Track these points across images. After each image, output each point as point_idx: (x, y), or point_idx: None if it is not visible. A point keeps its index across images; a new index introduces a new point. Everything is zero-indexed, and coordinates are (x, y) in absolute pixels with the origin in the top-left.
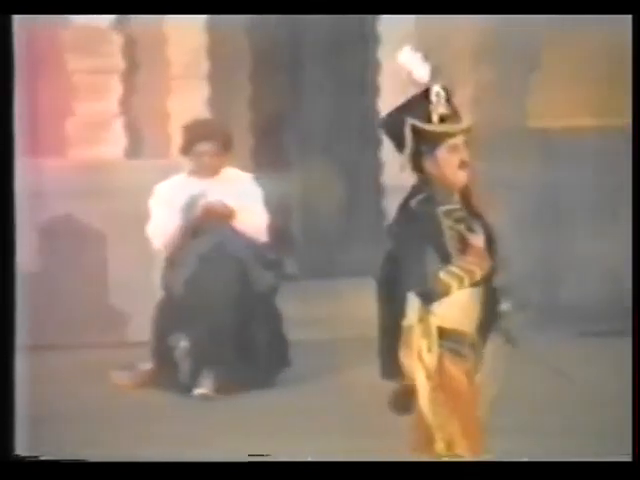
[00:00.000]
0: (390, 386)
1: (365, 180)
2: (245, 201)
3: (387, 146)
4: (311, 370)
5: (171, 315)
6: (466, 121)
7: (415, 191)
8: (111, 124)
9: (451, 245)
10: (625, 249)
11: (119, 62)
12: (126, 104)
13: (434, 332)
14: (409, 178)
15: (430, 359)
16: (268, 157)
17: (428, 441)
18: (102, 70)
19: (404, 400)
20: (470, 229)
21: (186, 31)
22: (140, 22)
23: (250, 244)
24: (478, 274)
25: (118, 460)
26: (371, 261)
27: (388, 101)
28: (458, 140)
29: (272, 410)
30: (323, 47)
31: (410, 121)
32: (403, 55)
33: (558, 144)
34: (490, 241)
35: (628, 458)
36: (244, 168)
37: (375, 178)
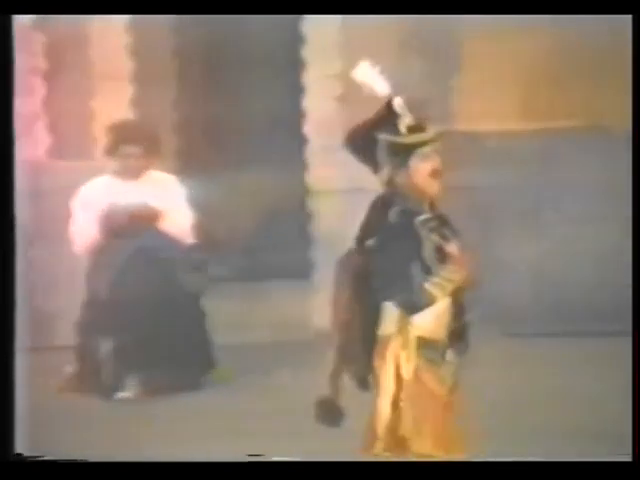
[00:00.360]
0: (316, 389)
1: (293, 181)
2: (170, 203)
3: (314, 147)
4: (238, 372)
5: (96, 318)
6: (433, 129)
7: (384, 203)
8: (34, 125)
9: (430, 255)
10: (549, 250)
11: (41, 62)
12: (49, 104)
13: (414, 343)
14: (338, 180)
15: (407, 369)
16: (194, 158)
17: (371, 444)
18: (24, 70)
19: (333, 412)
20: (444, 237)
21: (109, 31)
22: (63, 22)
23: (176, 246)
24: (458, 282)
25: (118, 460)
26: (299, 263)
27: (314, 101)
28: (428, 149)
29: (199, 412)
30: (250, 47)
31: (381, 136)
32: (360, 71)
33: (485, 146)
34: (462, 247)
35: (628, 458)
36: (169, 170)
37: (302, 180)
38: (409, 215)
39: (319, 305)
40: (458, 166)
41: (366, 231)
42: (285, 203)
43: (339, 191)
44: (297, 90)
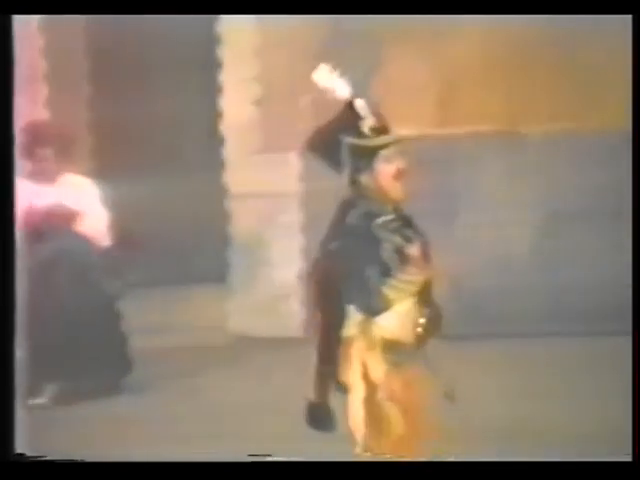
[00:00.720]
0: (235, 391)
1: (211, 184)
2: (86, 206)
3: (232, 150)
4: (157, 377)
5: (12, 322)
6: (396, 131)
7: (347, 206)
8: None
9: (390, 257)
10: (464, 253)
11: None
12: None
13: (379, 344)
14: (255, 183)
15: (376, 371)
16: (111, 160)
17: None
18: None
19: (323, 417)
20: (406, 238)
21: (23, 31)
22: None
23: (93, 249)
24: (418, 284)
25: (118, 460)
26: (217, 267)
27: (231, 102)
28: (391, 151)
29: (118, 417)
30: (167, 47)
31: (345, 139)
32: (320, 73)
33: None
34: (425, 248)
35: (628, 458)
36: (85, 171)
37: (220, 182)
38: (369, 217)
39: (236, 308)
40: None
41: (329, 235)
42: (203, 206)
43: (257, 194)
44: (215, 92)
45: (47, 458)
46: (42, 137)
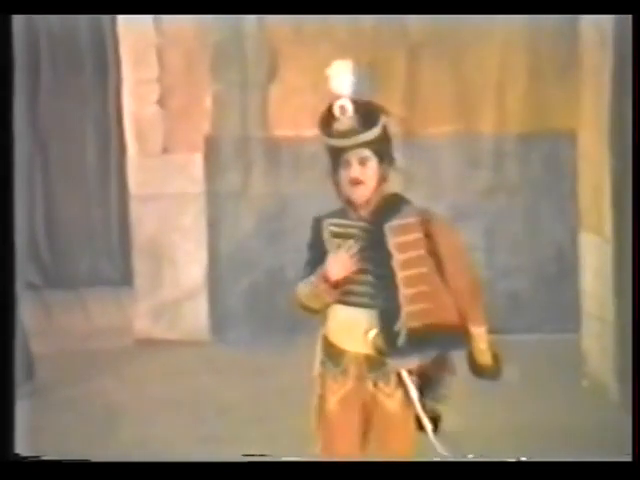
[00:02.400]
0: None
1: (112, 187)
2: None
3: (132, 155)
4: (55, 381)
5: None
6: (365, 135)
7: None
8: None
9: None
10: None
11: None
12: None
13: (320, 342)
14: (158, 185)
15: (315, 370)
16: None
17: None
18: None
19: None
20: (348, 246)
21: None
22: None
23: None
24: (325, 296)
25: (118, 460)
26: (119, 270)
27: (128, 104)
28: (351, 156)
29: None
30: (65, 46)
31: (321, 136)
32: (333, 67)
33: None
34: (382, 261)
35: (628, 458)
36: None
37: (121, 185)
38: (326, 216)
39: (139, 312)
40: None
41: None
42: (105, 208)
43: (159, 196)
44: (115, 93)
45: (47, 458)
46: None
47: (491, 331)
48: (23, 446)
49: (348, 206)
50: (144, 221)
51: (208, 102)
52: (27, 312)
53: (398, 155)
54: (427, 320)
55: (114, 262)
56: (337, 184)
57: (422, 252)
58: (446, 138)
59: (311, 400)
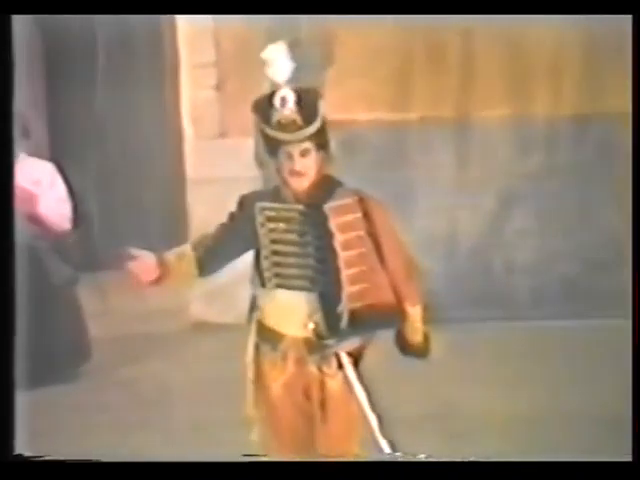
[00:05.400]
0: (183, 380)
1: (165, 170)
2: (46, 189)
3: (189, 139)
4: (110, 364)
5: None
6: (307, 130)
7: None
8: None
9: (264, 244)
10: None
11: None
12: None
13: (254, 327)
14: (210, 169)
15: (249, 356)
16: (63, 145)
17: None
18: None
19: None
20: (280, 230)
21: None
22: None
23: (49, 234)
24: None
25: (118, 460)
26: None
27: (185, 89)
28: (293, 149)
29: (74, 405)
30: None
31: (256, 120)
32: (267, 51)
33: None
34: (322, 243)
35: (628, 458)
36: (41, 155)
37: (177, 170)
38: (257, 197)
39: (195, 295)
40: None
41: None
42: (161, 191)
43: (215, 179)
44: (172, 78)
45: (47, 458)
46: None
47: (543, 317)
48: (78, 424)
49: (284, 188)
50: (199, 204)
51: (264, 86)
52: (84, 295)
53: (452, 139)
54: (367, 300)
55: (170, 245)
56: (275, 169)
57: (361, 232)
58: (500, 121)
59: None
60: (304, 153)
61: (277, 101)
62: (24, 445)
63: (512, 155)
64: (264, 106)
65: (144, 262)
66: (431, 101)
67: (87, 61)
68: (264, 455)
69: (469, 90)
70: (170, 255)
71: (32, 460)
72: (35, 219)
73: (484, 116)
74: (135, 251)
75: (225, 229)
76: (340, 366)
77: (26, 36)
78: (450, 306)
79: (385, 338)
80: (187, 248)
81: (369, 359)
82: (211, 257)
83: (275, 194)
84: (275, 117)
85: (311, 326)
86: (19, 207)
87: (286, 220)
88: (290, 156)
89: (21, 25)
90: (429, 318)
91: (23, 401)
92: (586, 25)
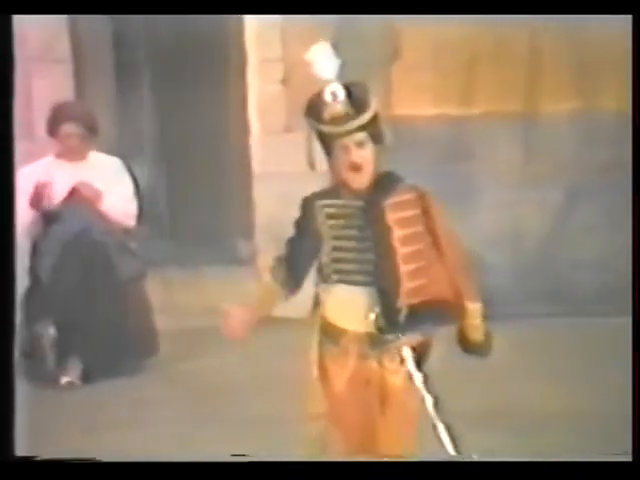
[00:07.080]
0: (247, 374)
1: (233, 168)
2: (113, 185)
3: (255, 134)
4: (177, 358)
5: (37, 303)
6: (360, 119)
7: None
8: None
9: (325, 240)
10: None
11: None
12: None
13: (317, 323)
14: (276, 163)
15: (313, 352)
16: (131, 142)
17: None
18: None
19: None
20: (342, 227)
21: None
22: None
23: (117, 230)
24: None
25: (118, 460)
26: (237, 250)
27: (252, 83)
28: (348, 141)
29: (140, 398)
30: (189, 35)
31: (309, 121)
32: (311, 52)
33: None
34: (382, 238)
35: (628, 458)
36: (109, 152)
37: (243, 166)
38: (318, 196)
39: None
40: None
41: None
42: (228, 188)
43: (281, 174)
44: (238, 73)
45: (47, 458)
46: (67, 115)
47: (608, 313)
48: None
49: (342, 187)
50: (265, 199)
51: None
52: (150, 289)
53: (518, 133)
54: (425, 296)
55: (236, 241)
56: (332, 168)
57: (420, 228)
58: (566, 115)
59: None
60: (360, 144)
61: (328, 96)
62: (78, 439)
63: (579, 150)
64: (315, 105)
65: (239, 319)
66: (497, 95)
67: (154, 59)
68: (325, 453)
69: (536, 84)
70: (258, 298)
71: (32, 460)
72: (101, 215)
73: (551, 110)
74: (230, 308)
75: (293, 243)
76: (402, 361)
77: (95, 35)
78: (515, 302)
79: (447, 335)
80: (269, 282)
81: (431, 356)
82: (293, 278)
83: (335, 192)
84: (327, 113)
85: (372, 317)
86: (84, 203)
87: (346, 216)
88: (347, 149)
89: (91, 23)
90: (492, 314)
91: (81, 393)
92: None
